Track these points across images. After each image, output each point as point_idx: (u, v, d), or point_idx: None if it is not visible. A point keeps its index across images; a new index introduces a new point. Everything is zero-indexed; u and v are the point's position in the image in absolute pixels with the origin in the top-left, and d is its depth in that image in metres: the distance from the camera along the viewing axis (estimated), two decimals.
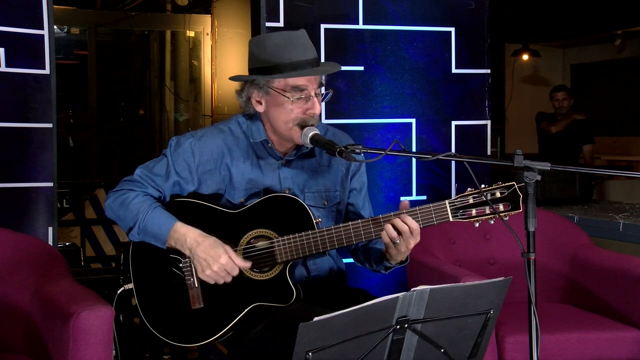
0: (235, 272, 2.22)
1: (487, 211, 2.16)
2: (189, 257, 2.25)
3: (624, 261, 3.00)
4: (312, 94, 2.28)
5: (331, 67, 2.38)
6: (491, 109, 3.69)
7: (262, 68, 2.29)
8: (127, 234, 2.32)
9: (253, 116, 2.40)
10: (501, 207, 2.14)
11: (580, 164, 5.99)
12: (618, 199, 4.88)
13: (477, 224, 2.17)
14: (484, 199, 2.15)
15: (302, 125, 2.27)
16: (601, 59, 9.05)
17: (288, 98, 2.26)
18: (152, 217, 2.26)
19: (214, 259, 2.19)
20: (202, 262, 2.21)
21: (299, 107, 2.28)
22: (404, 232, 2.14)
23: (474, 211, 2.16)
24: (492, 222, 2.17)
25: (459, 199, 2.17)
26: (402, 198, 3.55)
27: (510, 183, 2.15)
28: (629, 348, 2.76)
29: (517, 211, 2.12)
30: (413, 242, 2.18)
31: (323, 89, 2.34)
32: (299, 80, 2.26)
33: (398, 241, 2.16)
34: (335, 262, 2.49)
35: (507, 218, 2.12)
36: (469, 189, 2.18)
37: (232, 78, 2.42)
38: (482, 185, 2.16)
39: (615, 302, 2.97)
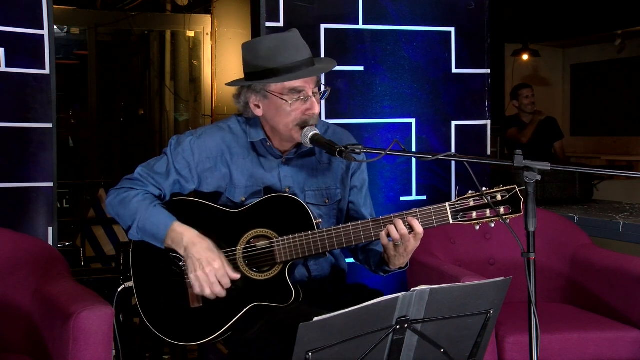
0: (226, 281, 2.21)
1: (488, 214, 2.14)
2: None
3: (624, 261, 3.00)
4: (310, 94, 2.27)
5: (326, 64, 2.35)
6: (491, 109, 3.69)
7: (257, 72, 2.27)
8: (127, 232, 2.32)
9: (251, 118, 2.39)
10: (502, 210, 2.13)
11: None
12: (618, 199, 4.87)
13: (477, 227, 2.16)
14: (485, 202, 2.13)
15: (303, 126, 2.26)
16: (601, 59, 9.04)
17: (286, 101, 2.25)
18: (150, 216, 2.26)
19: (207, 261, 2.19)
20: (194, 262, 2.20)
21: (297, 108, 2.26)
22: (403, 235, 2.13)
23: (474, 214, 2.14)
24: (492, 225, 2.16)
25: (459, 202, 2.15)
26: (402, 198, 3.57)
27: (512, 186, 2.13)
28: (629, 348, 2.76)
29: (518, 214, 2.09)
30: (413, 245, 2.16)
31: (322, 87, 2.33)
32: (296, 83, 2.25)
33: (399, 243, 2.15)
34: (338, 262, 2.48)
35: (507, 221, 2.10)
36: (469, 191, 2.17)
37: (229, 84, 2.41)
38: (484, 188, 2.14)
39: (615, 302, 2.97)
